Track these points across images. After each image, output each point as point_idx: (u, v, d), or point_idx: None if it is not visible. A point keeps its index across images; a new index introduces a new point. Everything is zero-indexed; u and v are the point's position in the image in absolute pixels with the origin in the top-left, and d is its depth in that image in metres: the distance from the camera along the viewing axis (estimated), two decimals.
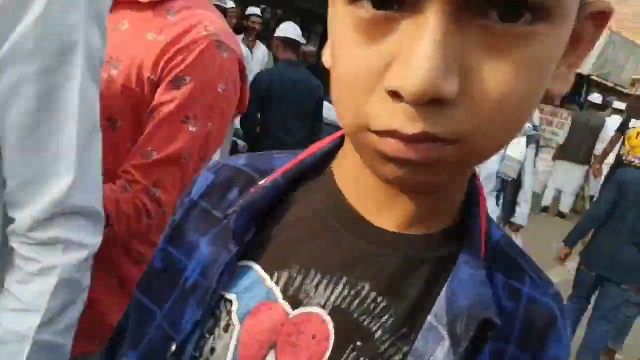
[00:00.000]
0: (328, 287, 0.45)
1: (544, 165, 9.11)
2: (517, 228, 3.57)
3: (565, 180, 7.77)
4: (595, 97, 7.83)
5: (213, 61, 0.99)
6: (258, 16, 5.28)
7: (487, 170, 3.50)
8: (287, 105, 3.22)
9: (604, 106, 8.11)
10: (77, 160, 0.69)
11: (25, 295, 0.69)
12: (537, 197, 8.83)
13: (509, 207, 3.52)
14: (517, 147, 3.42)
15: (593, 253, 3.08)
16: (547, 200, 7.91)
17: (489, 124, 0.36)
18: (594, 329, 3.08)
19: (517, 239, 3.58)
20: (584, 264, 3.15)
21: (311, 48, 7.60)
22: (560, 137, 9.48)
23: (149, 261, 0.56)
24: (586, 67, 12.97)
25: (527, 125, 3.45)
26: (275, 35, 3.46)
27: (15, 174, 0.68)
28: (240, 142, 3.78)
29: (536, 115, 8.63)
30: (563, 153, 8.29)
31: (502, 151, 3.43)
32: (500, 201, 3.52)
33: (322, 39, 9.20)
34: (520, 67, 0.34)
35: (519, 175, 3.45)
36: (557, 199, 7.99)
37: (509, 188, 3.48)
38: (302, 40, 3.65)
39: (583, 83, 12.37)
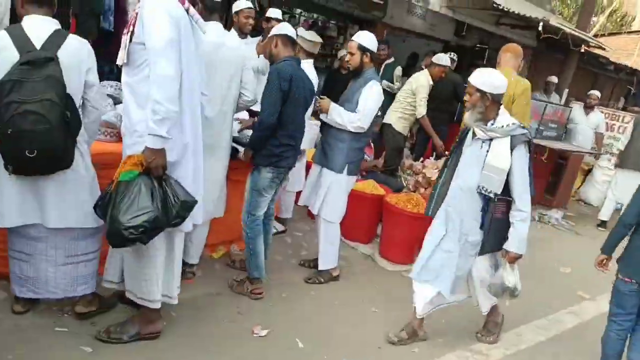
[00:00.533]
0: None
1: (604, 175, 8.26)
2: (513, 258, 2.79)
3: (625, 191, 6.85)
4: None
5: None
6: (279, 20, 4.95)
7: (465, 183, 2.80)
8: (298, 100, 3.16)
9: None
10: None
11: None
12: (595, 210, 7.98)
13: (499, 229, 2.76)
14: (499, 152, 2.69)
15: (629, 260, 2.78)
16: (606, 215, 7.04)
17: None
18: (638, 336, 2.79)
19: (514, 272, 2.81)
20: (621, 273, 2.81)
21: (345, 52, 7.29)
22: (622, 142, 8.58)
23: None
24: None
25: (511, 122, 2.72)
26: (274, 33, 3.25)
27: None
28: (241, 148, 3.50)
29: (602, 120, 7.91)
30: (624, 160, 7.43)
31: (481, 159, 2.71)
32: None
33: None
34: None
35: (507, 188, 2.69)
36: (617, 212, 7.10)
37: (493, 206, 2.73)
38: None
39: None
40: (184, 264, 3.21)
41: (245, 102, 3.16)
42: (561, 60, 9.49)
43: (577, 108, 7.84)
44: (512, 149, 2.68)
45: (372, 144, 5.43)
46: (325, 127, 3.58)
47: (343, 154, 3.44)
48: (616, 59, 11.37)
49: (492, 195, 2.70)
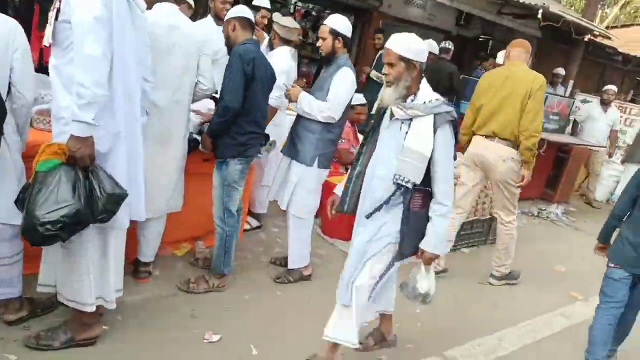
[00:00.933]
0: None
1: (610, 170, 7.93)
2: (429, 259, 2.30)
3: None
4: None
5: None
6: (268, 10, 4.64)
7: (383, 172, 2.31)
8: (262, 86, 2.96)
9: None
10: None
11: None
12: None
13: (418, 226, 2.28)
14: (419, 133, 2.20)
15: (619, 249, 2.81)
16: None
17: None
18: (627, 319, 2.89)
19: (428, 276, 2.36)
20: (611, 261, 2.85)
21: None
22: (629, 136, 8.24)
23: None
24: None
25: (434, 97, 2.25)
26: (232, 16, 3.02)
27: None
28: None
29: (618, 117, 7.52)
30: (633, 155, 7.09)
31: (400, 143, 2.24)
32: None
33: (354, 31, 8.57)
34: None
35: (428, 176, 2.23)
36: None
37: (409, 197, 2.24)
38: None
39: None
40: (139, 262, 3.03)
41: (202, 91, 2.94)
42: (566, 51, 9.13)
43: (594, 104, 7.49)
44: (435, 130, 2.19)
45: (359, 136, 5.18)
46: (295, 117, 3.36)
47: (313, 146, 3.21)
48: (627, 50, 10.97)
49: (409, 185, 2.21)
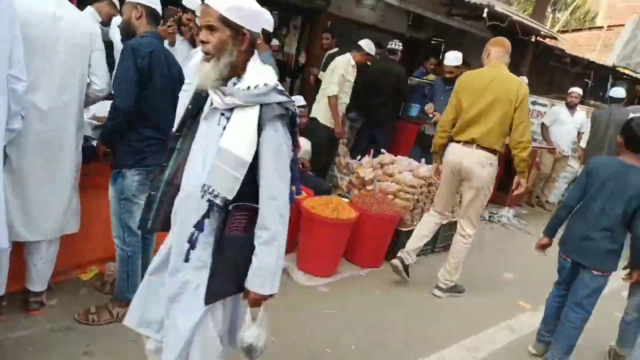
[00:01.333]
0: None
1: (565, 171, 7.88)
2: (254, 301, 1.67)
3: None
4: (617, 91, 6.55)
5: None
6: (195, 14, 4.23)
7: (192, 180, 1.67)
8: (163, 85, 2.59)
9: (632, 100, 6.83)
10: None
11: None
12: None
13: (234, 259, 1.65)
14: (238, 129, 1.59)
15: (567, 240, 3.04)
16: None
17: None
18: (568, 315, 2.97)
19: (256, 324, 1.68)
20: (560, 250, 3.10)
21: (276, 42, 6.82)
22: (583, 140, 8.24)
23: None
24: (611, 57, 11.65)
25: (262, 82, 1.60)
26: (140, 1, 2.60)
27: None
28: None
29: (585, 119, 7.39)
30: (587, 158, 7.04)
31: (216, 138, 1.64)
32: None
33: (302, 32, 8.31)
34: None
35: (248, 191, 1.62)
36: None
37: (223, 216, 1.63)
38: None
39: (608, 75, 11.02)
40: (28, 292, 2.63)
41: (95, 92, 2.57)
42: (516, 54, 9.14)
43: (560, 108, 7.47)
44: (260, 127, 1.58)
45: (298, 141, 4.89)
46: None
47: None
48: (576, 52, 11.14)
49: (218, 201, 1.59)
